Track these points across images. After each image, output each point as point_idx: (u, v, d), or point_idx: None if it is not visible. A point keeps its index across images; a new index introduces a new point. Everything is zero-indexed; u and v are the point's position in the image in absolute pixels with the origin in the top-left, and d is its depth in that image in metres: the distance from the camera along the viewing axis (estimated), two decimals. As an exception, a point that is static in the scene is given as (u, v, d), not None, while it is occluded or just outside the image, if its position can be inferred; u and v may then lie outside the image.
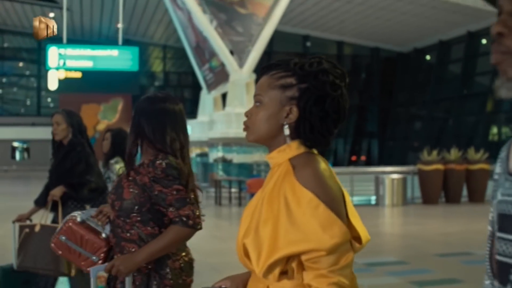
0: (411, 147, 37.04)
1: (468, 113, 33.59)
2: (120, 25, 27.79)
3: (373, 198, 16.74)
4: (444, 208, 15.47)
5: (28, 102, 46.70)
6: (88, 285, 4.48)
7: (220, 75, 22.26)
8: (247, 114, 1.86)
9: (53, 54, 26.10)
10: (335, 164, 36.84)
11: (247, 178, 16.51)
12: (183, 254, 2.73)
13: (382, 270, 7.61)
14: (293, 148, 1.77)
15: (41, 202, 5.01)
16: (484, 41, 33.11)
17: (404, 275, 7.21)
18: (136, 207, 2.62)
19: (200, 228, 2.62)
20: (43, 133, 41.30)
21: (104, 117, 39.94)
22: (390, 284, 6.77)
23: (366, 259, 8.23)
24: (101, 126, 36.88)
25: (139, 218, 2.62)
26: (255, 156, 17.87)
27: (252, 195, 16.32)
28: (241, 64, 20.39)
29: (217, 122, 20.46)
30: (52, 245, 2.98)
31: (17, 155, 47.32)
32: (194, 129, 23.48)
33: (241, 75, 19.88)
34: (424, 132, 35.90)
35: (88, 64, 26.41)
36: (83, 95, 35.48)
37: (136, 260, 2.55)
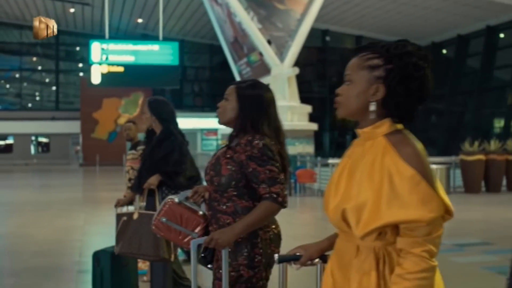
0: (428, 140, 37.50)
1: (486, 107, 34.03)
2: (160, 21, 28.19)
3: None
4: (487, 197, 15.98)
5: (48, 97, 46.94)
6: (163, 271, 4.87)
7: (258, 70, 22.67)
8: (338, 92, 2.05)
9: (96, 49, 26.49)
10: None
11: (293, 170, 16.93)
12: (273, 226, 2.98)
13: (474, 249, 8.16)
14: (387, 126, 1.96)
15: (135, 188, 5.27)
16: (502, 35, 33.59)
17: (499, 254, 7.74)
18: (233, 183, 2.88)
19: (286, 206, 2.86)
20: (63, 127, 41.91)
21: (125, 111, 40.26)
22: (494, 261, 7.30)
23: (451, 241, 8.77)
24: (122, 120, 36.82)
25: (235, 193, 2.89)
26: (298, 148, 18.36)
27: (302, 184, 16.80)
28: (281, 58, 20.88)
29: (260, 115, 20.90)
30: (153, 227, 3.18)
31: (32, 149, 47.66)
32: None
33: (283, 69, 20.36)
34: (442, 125, 36.33)
35: (130, 59, 26.81)
36: (104, 89, 35.80)
37: (234, 232, 2.78)
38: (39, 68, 47.29)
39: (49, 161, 43.26)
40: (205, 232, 3.05)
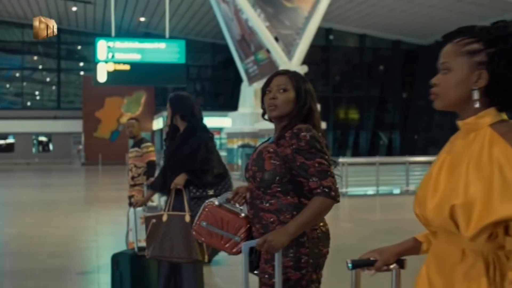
0: (432, 140, 37.45)
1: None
2: (167, 19, 28.02)
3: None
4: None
5: (49, 96, 46.83)
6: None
7: (266, 68, 22.49)
8: (435, 82, 1.87)
9: (102, 47, 26.35)
10: (354, 154, 37.20)
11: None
12: (321, 224, 2.80)
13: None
14: (492, 115, 1.79)
15: (157, 187, 5.02)
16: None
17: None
18: (277, 178, 2.72)
19: (339, 201, 2.69)
20: (64, 126, 41.83)
21: (127, 110, 40.21)
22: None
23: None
24: (125, 119, 36.59)
25: (279, 189, 2.73)
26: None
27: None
28: (289, 56, 20.75)
29: (268, 113, 20.73)
30: (194, 232, 3.01)
31: (33, 148, 47.48)
32: (235, 121, 23.74)
33: (291, 67, 20.19)
34: (446, 124, 36.22)
35: (136, 57, 26.68)
36: (106, 88, 35.65)
37: (288, 233, 2.59)
38: (41, 67, 47.14)
39: (50, 160, 43.15)
40: (249, 234, 2.87)
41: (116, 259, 5.37)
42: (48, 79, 46.97)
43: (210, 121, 38.27)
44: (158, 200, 7.02)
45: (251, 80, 24.85)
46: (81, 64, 46.68)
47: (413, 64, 39.06)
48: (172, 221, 4.51)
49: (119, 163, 35.29)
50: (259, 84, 24.57)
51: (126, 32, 40.24)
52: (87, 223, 11.12)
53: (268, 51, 21.51)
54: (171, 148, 4.83)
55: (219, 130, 37.78)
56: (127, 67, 26.33)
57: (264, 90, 2.92)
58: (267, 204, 2.76)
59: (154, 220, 4.59)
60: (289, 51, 20.91)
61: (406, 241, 2.11)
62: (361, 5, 32.84)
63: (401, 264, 2.07)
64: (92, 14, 38.90)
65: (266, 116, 2.99)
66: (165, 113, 23.09)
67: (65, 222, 11.20)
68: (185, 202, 4.59)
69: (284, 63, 20.63)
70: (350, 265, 2.09)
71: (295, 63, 20.50)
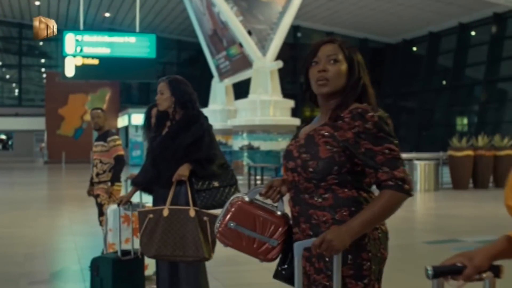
0: (398, 137, 37.46)
1: (458, 104, 34.08)
2: (137, 13, 27.48)
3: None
4: (480, 193, 15.70)
5: (9, 93, 45.67)
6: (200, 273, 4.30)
7: (238, 63, 22.13)
8: None
9: (70, 40, 25.59)
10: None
11: (277, 165, 16.48)
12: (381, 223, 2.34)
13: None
14: None
15: (142, 182, 4.52)
16: (473, 33, 33.65)
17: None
18: (336, 168, 2.24)
19: (412, 195, 2.24)
20: (26, 123, 40.80)
21: (91, 107, 39.24)
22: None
23: (472, 238, 8.42)
24: (89, 117, 36.02)
25: (336, 181, 2.26)
26: (282, 144, 17.82)
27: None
28: (263, 52, 20.40)
29: (241, 110, 20.35)
30: (218, 235, 2.48)
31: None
32: (206, 118, 23.31)
33: (265, 63, 19.86)
34: (414, 123, 36.34)
35: (105, 51, 25.99)
36: (70, 84, 34.89)
37: (350, 232, 2.14)
38: (0, 63, 45.91)
39: (12, 158, 42.11)
40: (287, 237, 2.39)
41: (97, 264, 4.86)
42: (8, 76, 45.77)
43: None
44: (139, 197, 6.56)
45: (222, 76, 24.43)
46: (43, 60, 45.60)
47: (380, 63, 39.06)
48: (175, 216, 4.06)
49: (83, 161, 34.56)
50: (230, 80, 24.19)
51: (91, 27, 39.43)
52: (61, 223, 10.64)
53: (241, 45, 21.11)
54: (167, 136, 4.29)
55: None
56: (95, 61, 25.70)
57: (310, 61, 2.38)
58: (320, 200, 2.27)
59: (151, 215, 4.10)
60: (263, 46, 20.54)
61: (499, 241, 1.70)
62: (330, 3, 32.67)
63: (496, 271, 1.66)
64: (55, 9, 37.85)
65: (307, 95, 2.47)
66: (130, 110, 22.54)
67: (38, 222, 10.64)
68: (189, 195, 4.15)
69: (258, 58, 20.28)
70: (430, 272, 1.66)
71: (269, 59, 20.17)
